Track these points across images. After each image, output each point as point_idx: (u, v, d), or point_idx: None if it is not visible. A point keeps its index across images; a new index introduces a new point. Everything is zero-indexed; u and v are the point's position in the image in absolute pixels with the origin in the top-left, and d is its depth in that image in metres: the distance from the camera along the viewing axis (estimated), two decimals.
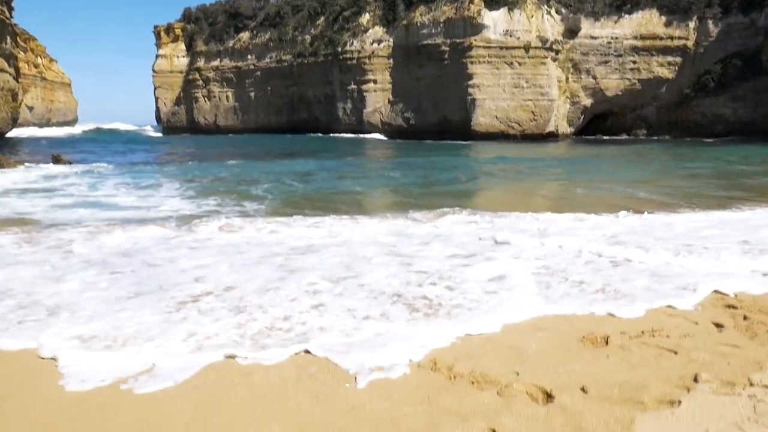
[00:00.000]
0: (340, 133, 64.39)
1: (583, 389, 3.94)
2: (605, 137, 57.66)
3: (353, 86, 63.63)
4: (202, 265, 7.48)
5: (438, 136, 55.00)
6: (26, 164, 26.03)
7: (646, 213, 11.62)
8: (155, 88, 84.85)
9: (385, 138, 59.25)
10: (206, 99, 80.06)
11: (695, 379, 4.06)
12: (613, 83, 57.97)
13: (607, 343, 4.80)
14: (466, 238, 9.15)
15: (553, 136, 55.52)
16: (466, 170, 25.34)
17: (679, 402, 3.74)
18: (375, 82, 62.21)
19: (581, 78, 58.22)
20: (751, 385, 3.94)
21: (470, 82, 54.58)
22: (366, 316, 5.36)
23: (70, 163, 27.40)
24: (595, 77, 57.94)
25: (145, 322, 5.23)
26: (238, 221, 11.02)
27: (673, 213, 11.88)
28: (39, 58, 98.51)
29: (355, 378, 4.12)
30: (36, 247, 8.70)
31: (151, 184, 18.97)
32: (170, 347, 4.64)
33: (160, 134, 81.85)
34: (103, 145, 50.17)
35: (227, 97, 78.93)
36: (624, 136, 57.89)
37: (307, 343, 4.69)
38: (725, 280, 6.32)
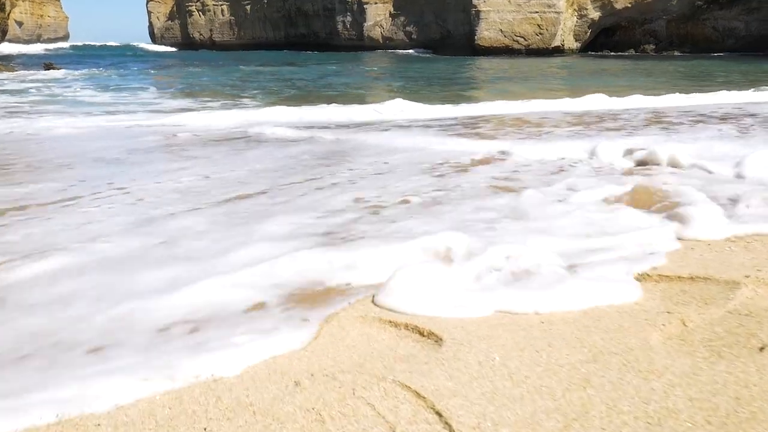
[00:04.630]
0: (339, 50, 62.37)
1: None
2: (612, 53, 55.85)
3: None
4: None
5: (441, 52, 53.40)
6: (17, 71, 25.45)
7: None
8: (147, 2, 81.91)
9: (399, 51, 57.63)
10: (200, 13, 77.35)
11: None
12: None
13: None
14: None
15: (558, 51, 53.75)
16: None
17: None
18: None
19: None
20: None
21: None
22: None
23: (61, 69, 26.73)
24: None
25: None
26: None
27: None
28: None
29: None
30: None
31: (134, 87, 18.46)
32: None
33: (162, 48, 79.23)
34: (97, 58, 48.83)
35: (222, 10, 76.18)
36: (631, 52, 56.07)
37: None
38: None
